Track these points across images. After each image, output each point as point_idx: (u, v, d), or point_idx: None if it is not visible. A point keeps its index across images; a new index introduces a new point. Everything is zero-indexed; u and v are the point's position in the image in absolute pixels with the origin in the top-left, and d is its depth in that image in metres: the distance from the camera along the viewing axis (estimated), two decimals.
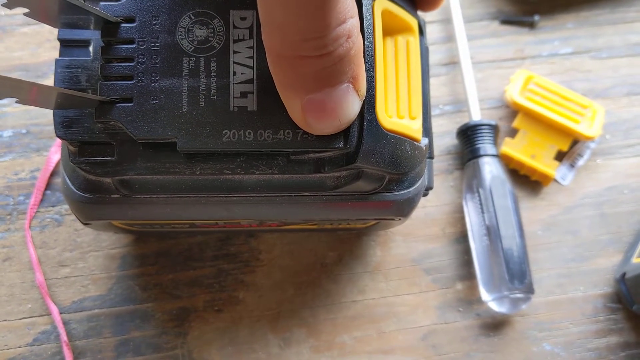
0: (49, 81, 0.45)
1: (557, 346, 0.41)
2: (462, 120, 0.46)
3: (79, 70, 0.28)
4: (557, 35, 0.50)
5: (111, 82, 0.28)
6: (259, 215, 0.33)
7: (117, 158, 0.28)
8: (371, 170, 0.29)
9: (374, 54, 0.29)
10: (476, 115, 0.45)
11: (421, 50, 0.33)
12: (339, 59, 0.25)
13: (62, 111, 0.28)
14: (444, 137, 0.46)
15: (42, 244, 0.41)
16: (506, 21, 0.51)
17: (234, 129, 0.28)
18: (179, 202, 0.31)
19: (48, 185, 0.43)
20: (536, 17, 0.50)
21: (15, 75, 0.45)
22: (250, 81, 0.28)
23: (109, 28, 0.28)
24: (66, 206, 0.42)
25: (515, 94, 0.45)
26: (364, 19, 0.29)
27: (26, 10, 0.25)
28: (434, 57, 0.49)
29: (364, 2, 0.29)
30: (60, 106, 0.27)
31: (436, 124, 0.47)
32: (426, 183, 0.34)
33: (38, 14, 0.26)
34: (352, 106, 0.26)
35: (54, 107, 0.27)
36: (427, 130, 0.33)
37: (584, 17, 0.51)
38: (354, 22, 0.25)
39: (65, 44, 0.29)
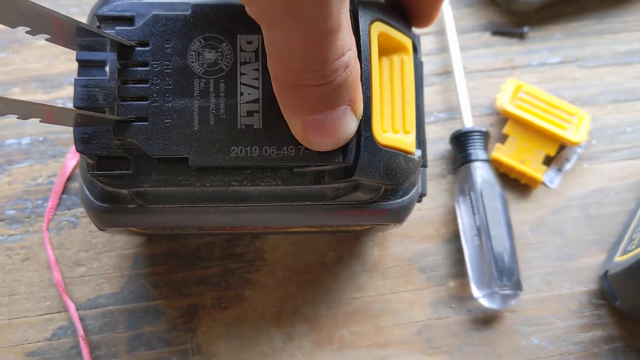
0: (65, 92, 0.48)
1: (544, 340, 0.44)
2: (455, 127, 0.48)
3: (97, 89, 0.30)
4: (546, 46, 0.53)
5: (127, 103, 0.30)
6: (264, 223, 0.35)
7: (133, 171, 0.31)
8: (368, 182, 0.32)
9: (371, 75, 0.31)
10: (468, 122, 0.47)
11: (415, 66, 0.35)
12: (338, 86, 0.27)
13: (81, 128, 0.30)
14: (438, 143, 0.49)
15: (59, 245, 0.44)
16: (497, 32, 0.53)
17: (241, 146, 0.30)
18: (189, 211, 0.33)
19: (64, 190, 0.45)
20: (526, 29, 0.53)
21: (32, 85, 0.48)
22: (256, 101, 0.31)
23: (124, 51, 0.30)
24: (81, 209, 0.45)
25: (505, 102, 0.48)
26: (362, 44, 0.31)
27: (48, 36, 0.28)
28: (428, 67, 0.51)
29: (361, 27, 0.31)
30: (80, 124, 0.30)
31: (430, 131, 0.49)
32: (420, 190, 0.36)
33: (58, 39, 0.28)
34: (350, 126, 0.29)
35: (74, 125, 0.29)
36: (420, 142, 0.36)
37: (572, 27, 0.54)
38: (352, 53, 0.27)
39: (83, 64, 0.31)
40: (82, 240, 0.44)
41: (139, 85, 0.30)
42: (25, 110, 0.26)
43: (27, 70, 0.49)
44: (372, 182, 0.32)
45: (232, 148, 0.30)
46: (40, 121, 0.27)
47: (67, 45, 0.30)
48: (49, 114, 0.27)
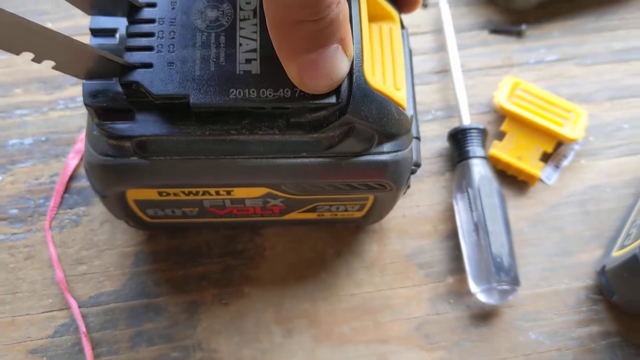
0: (66, 92, 0.49)
1: (542, 335, 0.44)
2: (453, 124, 0.49)
3: (107, 52, 0.32)
4: (544, 44, 0.53)
5: (134, 52, 0.33)
6: (261, 179, 0.36)
7: (137, 121, 0.33)
8: (361, 127, 0.34)
9: (360, 27, 0.34)
10: (466, 119, 0.48)
11: (403, 41, 0.39)
12: (330, 22, 0.29)
13: (89, 83, 0.33)
14: (436, 141, 0.49)
15: (61, 243, 0.44)
16: (495, 31, 0.54)
17: (240, 88, 0.32)
18: (190, 165, 0.35)
19: (66, 189, 0.46)
20: (523, 27, 0.53)
21: (34, 86, 0.49)
22: (254, 50, 0.33)
23: (134, 11, 0.34)
24: (83, 208, 0.45)
25: (502, 100, 0.48)
26: (351, 2, 0.34)
27: None
28: (426, 66, 0.52)
29: None
30: (90, 74, 0.32)
31: (428, 129, 0.50)
32: (414, 159, 0.38)
33: (76, 1, 0.32)
34: (342, 65, 0.31)
35: (84, 75, 0.32)
36: (412, 109, 0.38)
37: (570, 25, 0.54)
38: None
39: (95, 33, 0.34)
40: (84, 239, 0.45)
41: (145, 38, 0.33)
42: (43, 43, 0.29)
43: (29, 72, 0.49)
44: (365, 125, 0.34)
45: (231, 90, 0.32)
46: (53, 67, 0.30)
47: (81, 5, 0.33)
48: (61, 50, 0.30)
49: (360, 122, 0.34)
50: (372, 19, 0.37)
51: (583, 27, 0.54)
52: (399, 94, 0.36)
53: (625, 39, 0.54)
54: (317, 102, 0.33)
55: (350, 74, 0.33)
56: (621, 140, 0.50)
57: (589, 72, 0.53)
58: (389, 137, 0.36)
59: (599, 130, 0.50)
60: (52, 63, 0.31)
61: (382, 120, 0.35)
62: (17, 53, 0.30)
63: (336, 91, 0.33)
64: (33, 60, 0.30)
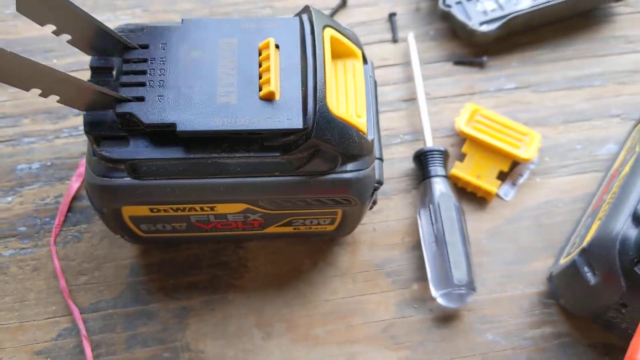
0: (70, 122, 0.54)
1: (498, 336, 0.48)
2: (419, 147, 0.54)
3: (105, 87, 0.38)
4: (504, 73, 0.59)
5: (128, 88, 0.39)
6: (239, 196, 0.41)
7: (130, 147, 0.39)
8: (325, 149, 0.39)
9: (324, 64, 0.40)
10: (429, 142, 0.53)
11: (365, 75, 0.44)
12: None
13: (89, 114, 0.39)
14: (404, 162, 0.54)
15: (64, 257, 0.49)
16: (459, 62, 0.59)
17: (220, 117, 0.38)
18: (177, 185, 0.40)
19: (70, 209, 0.51)
20: (485, 58, 0.59)
21: (40, 117, 0.54)
22: (232, 84, 0.39)
23: (129, 52, 0.40)
24: (85, 225, 0.50)
25: (462, 125, 0.53)
26: (316, 41, 0.40)
27: (69, 37, 0.38)
28: (396, 94, 0.57)
29: (315, 27, 0.41)
30: (89, 106, 0.38)
31: (397, 151, 0.55)
32: (377, 177, 0.43)
33: (77, 41, 0.38)
34: None
35: (84, 107, 0.38)
36: (376, 136, 0.44)
37: (527, 56, 0.60)
38: None
39: (94, 70, 0.40)
40: (85, 253, 0.50)
41: (139, 76, 0.39)
42: (49, 81, 0.35)
43: (36, 104, 0.55)
44: (329, 147, 0.39)
45: (212, 119, 0.38)
46: (57, 101, 0.36)
47: (83, 47, 0.39)
48: (65, 87, 0.36)
49: (325, 145, 0.39)
50: (337, 56, 0.43)
51: (540, 58, 0.60)
52: (360, 121, 0.42)
53: (579, 68, 0.59)
54: (286, 128, 0.38)
55: (315, 103, 0.38)
56: (573, 160, 0.55)
57: (545, 98, 0.58)
58: (352, 157, 0.41)
59: (554, 150, 0.55)
60: (57, 97, 0.37)
61: (344, 143, 0.40)
62: (27, 89, 0.35)
63: (303, 116, 0.38)
64: (40, 95, 0.36)
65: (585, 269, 0.43)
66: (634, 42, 0.61)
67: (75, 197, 0.51)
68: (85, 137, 0.53)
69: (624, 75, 0.59)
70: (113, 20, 0.58)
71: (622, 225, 0.41)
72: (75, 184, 0.51)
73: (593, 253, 0.42)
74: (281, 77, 0.40)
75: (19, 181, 0.52)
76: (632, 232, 0.41)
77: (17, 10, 0.35)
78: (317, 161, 0.40)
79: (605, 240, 0.42)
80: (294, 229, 0.47)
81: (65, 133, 0.54)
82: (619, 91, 0.58)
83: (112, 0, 0.60)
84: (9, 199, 0.51)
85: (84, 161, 0.52)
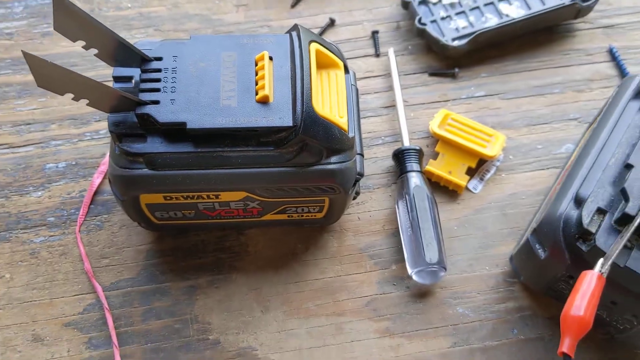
0: (92, 127, 0.62)
1: (467, 309, 0.55)
2: (398, 147, 0.61)
3: (126, 93, 0.46)
4: (474, 83, 0.66)
5: (145, 93, 0.46)
6: (240, 184, 0.49)
7: (148, 143, 0.46)
8: (312, 143, 0.46)
9: (310, 73, 0.47)
10: (406, 142, 0.60)
11: (347, 83, 0.52)
12: None
13: (113, 115, 0.46)
14: (385, 160, 0.62)
15: (88, 243, 0.57)
16: (433, 73, 0.67)
17: (223, 117, 0.46)
18: (187, 175, 0.47)
19: (92, 201, 0.58)
20: (456, 70, 0.66)
21: (66, 122, 0.62)
22: (233, 90, 0.47)
23: (145, 63, 0.48)
24: (106, 215, 0.58)
25: (435, 127, 0.61)
26: (303, 53, 0.48)
27: (96, 51, 0.45)
28: (378, 102, 0.65)
29: (302, 42, 0.48)
30: (113, 109, 0.46)
31: (379, 151, 0.62)
32: (358, 169, 0.51)
33: (102, 54, 0.46)
34: None
35: (108, 110, 0.45)
36: (356, 134, 0.51)
37: (495, 68, 0.67)
38: None
39: (117, 80, 0.48)
40: (106, 239, 0.57)
41: (153, 83, 0.47)
42: (81, 87, 0.42)
43: (62, 111, 0.63)
44: (315, 142, 0.47)
45: (217, 119, 0.46)
46: (87, 104, 0.43)
47: (107, 60, 0.47)
48: (93, 92, 0.43)
49: (311, 140, 0.47)
50: (321, 66, 0.51)
51: (506, 69, 0.67)
52: (342, 120, 0.49)
53: (541, 77, 0.67)
54: (278, 126, 0.46)
55: (302, 105, 0.46)
56: (535, 158, 0.63)
57: (511, 105, 0.65)
58: (335, 151, 0.49)
59: (517, 150, 0.63)
60: (86, 101, 0.44)
61: (328, 139, 0.48)
62: (62, 94, 0.43)
63: (293, 116, 0.46)
64: (73, 99, 0.43)
65: (537, 246, 0.50)
66: (591, 55, 0.68)
67: (97, 192, 0.59)
68: (105, 140, 0.61)
69: (582, 83, 0.67)
70: (129, 38, 0.66)
71: (566, 207, 0.49)
72: (96, 180, 0.59)
73: (542, 231, 0.50)
74: (274, 84, 0.48)
75: (48, 178, 0.59)
76: (573, 213, 0.48)
77: (54, 29, 0.43)
78: (305, 154, 0.48)
79: (551, 220, 0.49)
80: (288, 216, 0.55)
81: (88, 136, 0.61)
82: (577, 98, 0.66)
83: (129, 21, 0.68)
84: (39, 193, 0.59)
85: (104, 160, 0.59)
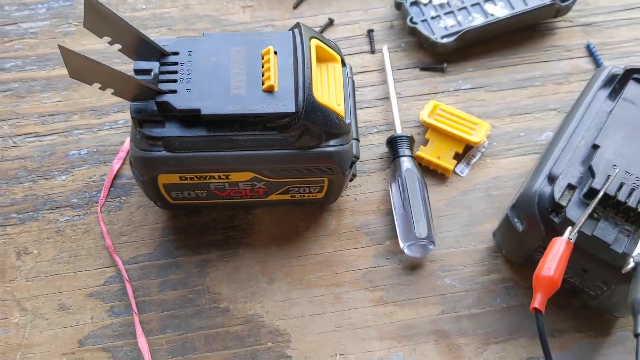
0: (111, 118, 0.67)
1: (454, 281, 0.61)
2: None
3: (148, 82, 0.52)
4: (461, 77, 0.72)
5: (164, 83, 0.52)
6: (248, 165, 0.54)
7: (166, 128, 0.52)
8: (312, 128, 0.52)
9: (311, 64, 0.53)
10: (399, 130, 0.66)
11: (344, 75, 0.58)
12: None
13: (135, 104, 0.52)
14: (380, 147, 0.67)
15: (108, 222, 0.62)
16: (424, 68, 0.72)
17: (233, 104, 0.51)
18: (200, 156, 0.53)
19: (112, 185, 0.64)
20: (445, 65, 0.72)
21: (87, 114, 0.67)
22: (241, 80, 0.52)
23: (163, 57, 0.53)
24: (124, 197, 0.63)
25: (425, 116, 0.66)
26: (305, 48, 0.54)
27: (120, 46, 0.50)
28: (373, 94, 0.70)
29: (304, 38, 0.54)
30: (135, 97, 0.51)
31: (374, 139, 0.68)
32: (354, 153, 0.56)
33: (126, 49, 0.51)
34: None
35: (131, 98, 0.51)
36: (352, 121, 0.57)
37: (481, 63, 0.73)
38: None
39: (137, 72, 0.53)
40: (125, 219, 0.62)
41: (171, 75, 0.52)
42: (107, 77, 0.48)
43: (83, 103, 0.68)
44: (315, 126, 0.52)
45: (228, 106, 0.51)
46: (112, 93, 0.49)
47: (129, 54, 0.52)
48: (119, 82, 0.49)
49: (311, 125, 0.52)
50: (321, 60, 0.57)
51: (491, 64, 0.73)
52: (339, 108, 0.55)
53: (523, 72, 0.72)
54: (282, 112, 0.51)
55: (304, 93, 0.52)
56: (517, 144, 0.68)
57: (495, 97, 0.71)
58: (333, 135, 0.54)
59: (501, 137, 0.68)
60: (112, 90, 0.50)
61: (327, 124, 0.53)
62: (90, 84, 0.48)
63: (295, 104, 0.51)
64: (100, 88, 0.49)
65: (515, 220, 0.56)
66: (570, 51, 0.74)
67: (116, 176, 0.64)
68: (122, 129, 0.66)
69: (561, 77, 0.72)
70: None
71: (540, 184, 0.54)
72: (116, 165, 0.64)
73: (519, 206, 0.55)
74: (278, 75, 0.53)
75: (71, 164, 0.65)
76: (547, 189, 0.54)
77: (84, 26, 0.48)
78: (306, 137, 0.53)
79: (527, 196, 0.54)
80: (291, 196, 0.60)
81: (107, 126, 0.67)
82: (557, 90, 0.71)
83: (143, 21, 0.73)
84: (64, 177, 0.64)
85: (123, 147, 0.65)
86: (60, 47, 0.44)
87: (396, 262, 0.62)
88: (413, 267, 0.61)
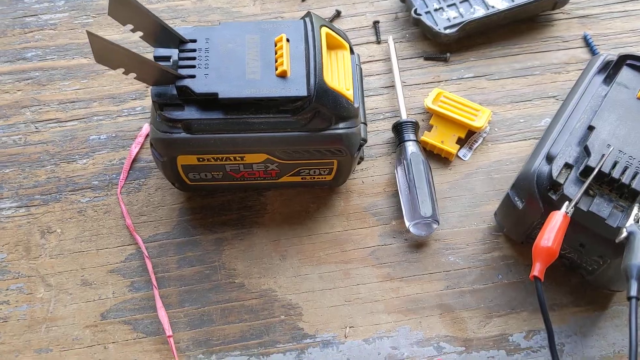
0: (129, 105, 0.71)
1: (458, 258, 0.64)
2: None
3: (169, 67, 0.55)
4: (463, 66, 0.75)
5: (183, 69, 0.55)
6: (262, 147, 0.57)
7: (185, 111, 0.54)
8: (323, 111, 0.55)
9: (322, 52, 0.56)
10: (404, 116, 0.69)
11: (352, 62, 0.61)
12: None
13: (155, 88, 0.54)
14: (385, 133, 0.70)
15: (128, 203, 0.65)
16: (428, 58, 0.76)
17: (249, 88, 0.54)
18: (218, 138, 0.56)
19: (131, 167, 0.67)
20: (448, 55, 0.75)
21: (106, 101, 0.71)
22: (256, 66, 0.55)
23: (182, 44, 0.56)
24: (143, 180, 0.66)
25: (429, 103, 0.70)
26: (315, 36, 0.57)
27: (141, 33, 0.53)
28: (379, 83, 0.73)
29: (315, 26, 0.57)
30: (156, 82, 0.54)
31: (380, 125, 0.71)
32: (362, 136, 0.59)
33: (146, 36, 0.54)
34: None
35: (152, 83, 0.54)
36: (360, 105, 0.60)
37: (482, 53, 0.76)
38: None
39: (157, 59, 0.56)
40: (144, 199, 0.66)
41: (190, 61, 0.55)
42: (131, 62, 0.51)
43: (102, 91, 0.71)
44: (325, 110, 0.55)
45: (244, 89, 0.54)
46: (135, 77, 0.51)
47: (150, 41, 0.55)
48: (141, 67, 0.52)
49: (322, 108, 0.55)
50: (330, 47, 0.60)
51: (491, 54, 0.76)
52: (348, 92, 0.58)
53: (523, 61, 0.76)
54: (294, 95, 0.54)
55: (315, 78, 0.55)
56: (517, 130, 0.71)
57: (496, 85, 0.74)
58: (342, 118, 0.57)
59: (502, 124, 0.72)
60: (134, 75, 0.53)
61: (336, 107, 0.56)
62: (115, 68, 0.51)
63: (307, 88, 0.54)
64: (123, 73, 0.52)
65: (515, 198, 0.59)
66: (567, 41, 0.77)
67: (135, 160, 0.67)
68: (140, 116, 0.70)
69: (559, 66, 0.75)
70: None
71: (539, 164, 0.57)
72: (134, 149, 0.67)
73: (519, 185, 0.58)
74: (291, 61, 0.56)
75: (92, 148, 0.68)
76: (545, 168, 0.57)
77: (109, 14, 0.51)
78: (317, 120, 0.56)
79: (527, 175, 0.58)
80: (302, 178, 0.63)
81: (125, 112, 0.70)
82: (555, 79, 0.74)
83: (158, 13, 0.76)
84: (84, 161, 0.67)
85: (141, 132, 0.68)
86: (88, 32, 0.47)
87: (402, 240, 0.65)
88: (418, 245, 0.64)
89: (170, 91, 0.55)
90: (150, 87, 0.55)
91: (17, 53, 0.73)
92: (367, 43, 0.76)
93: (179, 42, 0.57)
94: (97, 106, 0.70)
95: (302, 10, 0.77)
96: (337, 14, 0.77)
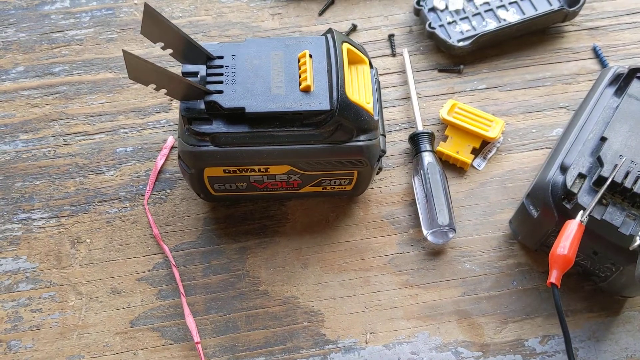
0: (154, 117, 0.73)
1: (474, 265, 0.66)
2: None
3: (197, 83, 0.57)
4: (476, 77, 0.77)
5: (211, 84, 0.57)
6: (286, 159, 0.59)
7: (213, 125, 0.57)
8: (345, 124, 0.57)
9: (344, 67, 0.58)
10: (420, 127, 0.71)
11: (372, 76, 0.63)
12: None
13: (184, 103, 0.57)
14: (402, 143, 0.73)
15: (154, 213, 0.68)
16: (442, 70, 0.78)
17: (273, 102, 0.56)
18: (244, 150, 0.58)
19: (157, 179, 0.69)
20: (462, 66, 0.77)
21: (131, 114, 0.73)
22: (281, 81, 0.57)
23: (210, 60, 0.58)
24: (169, 190, 0.69)
25: (444, 114, 0.72)
26: (337, 52, 0.59)
27: (171, 51, 0.56)
28: (395, 94, 0.76)
29: (337, 42, 0.59)
30: (185, 97, 0.56)
31: (397, 136, 0.73)
32: (381, 147, 0.61)
33: (175, 54, 0.57)
34: None
35: (181, 98, 0.56)
36: (380, 118, 0.62)
37: (495, 64, 0.78)
38: None
39: (185, 75, 0.58)
40: (170, 210, 0.68)
41: (217, 77, 0.57)
42: (162, 79, 0.53)
43: (127, 104, 0.74)
44: (347, 123, 0.57)
45: (269, 104, 0.56)
46: (165, 93, 0.54)
47: (179, 58, 0.58)
48: (172, 83, 0.54)
49: (344, 121, 0.58)
50: (351, 62, 0.62)
51: (504, 65, 0.78)
52: (368, 105, 0.60)
53: (535, 73, 0.78)
54: (318, 109, 0.57)
55: (337, 93, 0.57)
56: (530, 140, 0.73)
57: (508, 96, 0.76)
58: (363, 131, 0.60)
59: (515, 134, 0.74)
60: (165, 90, 0.55)
61: (357, 120, 0.58)
62: (147, 85, 0.54)
63: (330, 102, 0.57)
64: (154, 89, 0.54)
65: (530, 207, 0.61)
66: (577, 53, 0.79)
67: (160, 171, 0.70)
68: (165, 128, 0.72)
69: (570, 77, 0.77)
70: None
71: (553, 174, 0.59)
72: (160, 161, 0.70)
73: (534, 195, 0.60)
74: (314, 76, 0.59)
75: (119, 160, 0.70)
76: (559, 178, 0.59)
77: (141, 33, 0.54)
78: (339, 133, 0.58)
79: (541, 185, 0.60)
80: (322, 188, 0.66)
81: (150, 125, 0.73)
82: (566, 89, 0.76)
83: (181, 28, 0.78)
84: (112, 172, 0.70)
85: (166, 144, 0.70)
86: (124, 51, 0.50)
87: (419, 248, 0.67)
88: (435, 253, 0.66)
89: (199, 106, 0.57)
90: (179, 101, 0.57)
91: (45, 68, 0.76)
92: (383, 56, 0.78)
93: (206, 58, 0.59)
94: (122, 119, 0.73)
95: (319, 24, 0.80)
96: (354, 28, 0.80)
